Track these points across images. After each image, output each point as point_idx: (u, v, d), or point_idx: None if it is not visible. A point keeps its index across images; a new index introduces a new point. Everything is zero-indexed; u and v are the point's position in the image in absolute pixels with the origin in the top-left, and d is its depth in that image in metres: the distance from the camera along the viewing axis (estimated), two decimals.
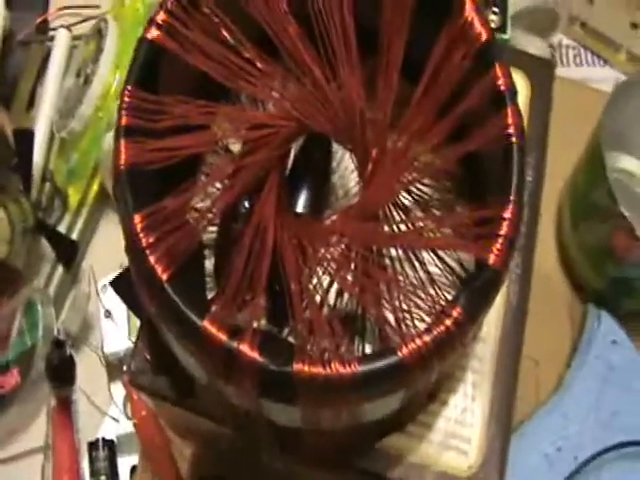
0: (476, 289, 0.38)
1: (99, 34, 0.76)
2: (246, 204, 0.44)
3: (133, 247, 0.38)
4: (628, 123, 0.75)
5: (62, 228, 0.76)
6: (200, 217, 0.41)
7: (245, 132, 0.43)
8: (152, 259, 0.37)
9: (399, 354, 0.37)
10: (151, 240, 0.38)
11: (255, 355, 0.37)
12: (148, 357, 0.47)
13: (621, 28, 0.87)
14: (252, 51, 0.43)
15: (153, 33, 0.42)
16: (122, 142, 0.39)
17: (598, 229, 0.69)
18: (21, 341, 0.71)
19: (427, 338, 0.37)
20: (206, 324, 0.37)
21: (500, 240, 0.39)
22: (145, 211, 0.38)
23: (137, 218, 0.38)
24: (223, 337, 0.37)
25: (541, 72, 0.55)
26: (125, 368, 0.70)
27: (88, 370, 0.71)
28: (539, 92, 0.54)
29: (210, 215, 0.41)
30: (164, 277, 0.37)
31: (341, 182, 0.49)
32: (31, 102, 0.81)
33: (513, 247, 0.39)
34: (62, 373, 0.67)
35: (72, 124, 0.73)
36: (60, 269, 0.74)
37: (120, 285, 0.46)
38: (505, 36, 0.72)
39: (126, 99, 0.40)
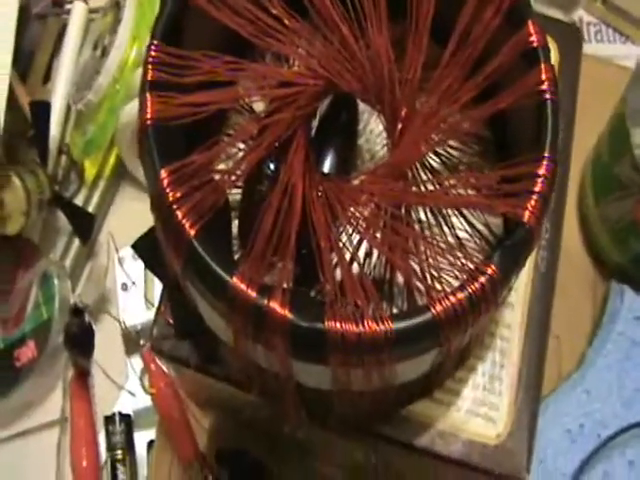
0: (510, 247, 0.37)
1: (117, 6, 0.75)
2: (271, 166, 0.43)
3: (159, 203, 0.37)
4: None
5: (78, 201, 0.75)
6: (226, 177, 0.40)
7: (271, 90, 0.42)
8: (179, 214, 0.37)
9: (433, 311, 0.36)
10: (178, 195, 0.37)
11: (286, 312, 0.36)
12: (171, 322, 0.46)
13: None
14: (280, 8, 0.42)
15: None
16: (148, 96, 0.39)
17: (621, 203, 0.68)
18: (37, 314, 0.70)
19: (461, 295, 0.36)
20: (235, 280, 0.36)
21: (535, 197, 0.38)
22: (172, 166, 0.37)
23: (164, 173, 0.37)
24: (253, 294, 0.36)
25: (569, 38, 0.54)
26: (142, 341, 0.70)
27: (105, 344, 0.70)
28: (567, 57, 0.53)
29: (236, 175, 0.40)
30: (192, 232, 0.37)
31: (367, 146, 0.49)
32: (47, 75, 0.80)
33: (548, 205, 0.38)
34: (81, 342, 0.66)
35: (89, 96, 0.72)
36: (76, 242, 0.74)
37: (143, 247, 0.45)
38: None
39: (152, 53, 0.39)
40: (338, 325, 0.35)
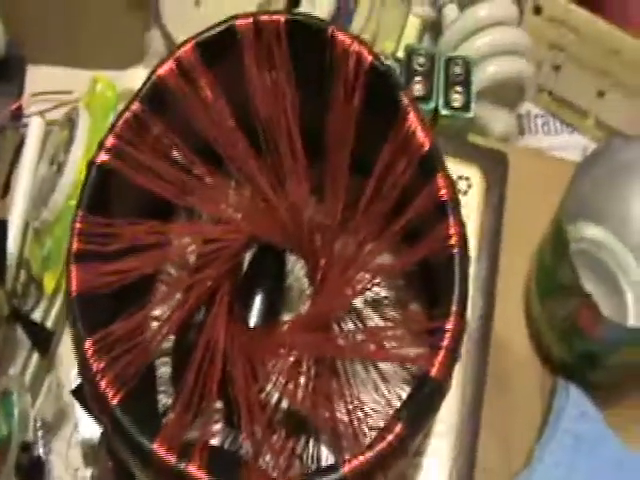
0: (418, 402, 0.39)
1: (71, 122, 0.77)
2: (202, 314, 0.45)
3: (85, 371, 0.39)
4: (594, 193, 0.76)
5: (38, 314, 0.76)
6: (155, 332, 0.42)
7: (197, 247, 0.44)
8: (102, 384, 0.39)
9: (341, 471, 0.38)
10: (102, 365, 0.39)
11: (202, 475, 0.37)
12: (110, 465, 0.48)
13: (588, 95, 0.88)
14: (201, 167, 0.44)
15: (102, 157, 0.43)
16: (73, 268, 0.41)
17: (564, 305, 0.69)
18: None
19: (369, 454, 0.38)
20: (155, 447, 0.38)
21: (442, 352, 0.40)
22: (96, 336, 0.39)
23: (88, 343, 0.39)
24: (172, 459, 0.38)
25: (495, 165, 0.56)
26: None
27: (62, 458, 0.71)
28: (494, 185, 0.56)
29: (165, 330, 0.42)
30: (114, 401, 0.38)
31: (297, 284, 0.50)
32: (5, 191, 0.82)
33: (455, 358, 0.40)
34: (31, 475, 0.68)
35: (45, 214, 0.74)
36: (36, 355, 0.75)
37: (81, 394, 0.47)
38: (469, 114, 0.73)
39: (77, 225, 0.41)
40: None
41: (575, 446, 0.69)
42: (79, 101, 0.80)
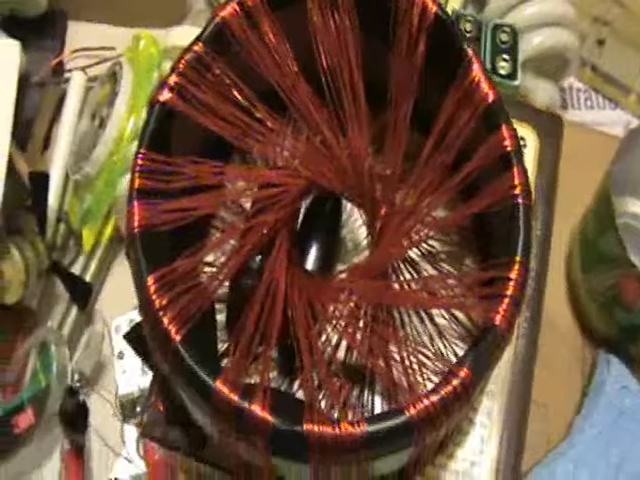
0: (482, 349, 0.39)
1: (114, 77, 0.77)
2: (257, 260, 0.45)
3: (147, 309, 0.39)
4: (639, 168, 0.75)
5: (76, 269, 0.77)
6: (212, 277, 0.42)
7: (254, 192, 0.44)
8: (165, 321, 0.38)
9: (407, 414, 0.37)
10: (164, 302, 0.39)
11: (266, 415, 0.37)
12: (161, 409, 0.48)
13: (631, 71, 0.88)
14: (262, 111, 0.44)
15: (165, 95, 0.43)
16: (135, 204, 0.40)
17: (607, 276, 0.69)
18: (36, 381, 0.71)
19: (434, 398, 0.38)
20: (218, 385, 0.38)
21: (506, 301, 0.40)
22: (158, 273, 0.39)
23: (150, 280, 0.39)
24: (235, 398, 0.38)
25: (550, 126, 0.56)
26: (138, 408, 0.71)
27: (102, 411, 0.71)
28: (548, 146, 0.55)
29: (222, 275, 0.42)
30: (177, 338, 0.38)
31: (351, 236, 0.50)
32: (46, 144, 0.82)
33: (519, 308, 0.40)
34: (75, 420, 0.68)
35: (86, 168, 0.74)
36: (74, 310, 0.75)
37: (134, 338, 0.47)
38: (515, 82, 0.73)
39: (139, 162, 0.41)
40: (316, 428, 0.37)
41: (616, 419, 0.69)
42: (122, 57, 0.79)
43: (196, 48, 0.44)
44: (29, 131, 0.81)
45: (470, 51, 0.45)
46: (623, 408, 0.69)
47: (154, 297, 0.39)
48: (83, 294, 0.74)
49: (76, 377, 0.71)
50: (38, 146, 0.81)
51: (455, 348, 0.46)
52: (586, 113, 0.90)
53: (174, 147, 0.43)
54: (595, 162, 0.73)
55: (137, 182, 0.41)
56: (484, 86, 0.44)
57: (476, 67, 0.44)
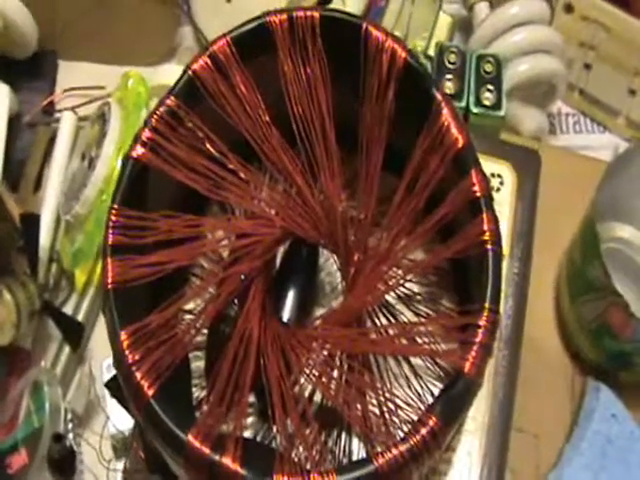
0: (451, 397, 0.39)
1: (102, 117, 0.78)
2: (234, 306, 0.46)
3: (120, 363, 0.39)
4: (626, 193, 0.76)
5: (69, 308, 0.77)
6: (188, 326, 0.42)
7: (231, 241, 0.44)
8: (138, 375, 0.39)
9: (375, 464, 0.38)
10: (137, 357, 0.39)
11: (237, 468, 0.38)
12: (142, 455, 0.48)
13: (619, 94, 0.88)
14: (235, 162, 0.45)
15: (138, 151, 0.43)
16: (109, 261, 0.41)
17: (595, 304, 0.69)
18: (29, 422, 0.72)
19: (402, 448, 0.38)
20: (190, 438, 0.38)
21: (475, 348, 0.40)
22: (131, 328, 0.40)
23: (123, 335, 0.39)
24: (206, 450, 0.38)
25: (527, 162, 0.56)
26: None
27: (94, 450, 0.72)
28: (525, 183, 0.56)
29: (198, 324, 0.42)
30: (150, 393, 0.39)
31: (328, 279, 0.51)
32: (38, 185, 0.82)
33: (489, 353, 0.40)
34: (63, 466, 0.68)
35: (76, 208, 0.75)
36: (66, 349, 0.75)
37: (115, 387, 0.47)
38: (500, 113, 0.73)
39: (112, 218, 0.42)
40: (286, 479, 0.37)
41: (605, 448, 0.69)
42: (111, 96, 0.80)
43: (168, 102, 0.45)
44: (20, 172, 0.82)
45: (439, 95, 0.45)
46: (611, 436, 0.69)
47: (127, 352, 0.39)
48: (75, 334, 0.74)
49: (69, 417, 0.71)
50: (30, 187, 0.82)
51: (432, 388, 0.46)
52: (575, 137, 0.90)
53: (149, 200, 0.44)
54: (583, 188, 0.73)
55: (110, 238, 0.42)
56: (454, 131, 0.44)
57: (446, 112, 0.45)
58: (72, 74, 0.89)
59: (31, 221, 0.74)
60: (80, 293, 0.77)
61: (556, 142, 0.88)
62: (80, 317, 0.76)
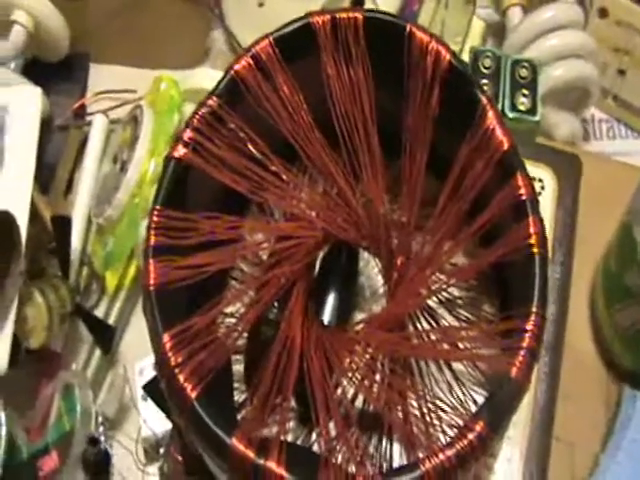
0: (498, 402, 0.39)
1: (134, 120, 0.78)
2: (275, 309, 0.45)
3: (162, 365, 0.39)
4: None
5: (100, 311, 0.77)
6: (230, 329, 0.42)
7: (272, 244, 0.44)
8: (181, 378, 0.38)
9: (422, 468, 0.37)
10: (180, 359, 0.39)
11: (282, 471, 0.37)
12: (180, 459, 0.48)
13: None
14: (277, 163, 0.44)
15: (180, 151, 0.43)
16: (151, 262, 0.41)
17: (631, 311, 0.68)
18: (60, 424, 0.72)
19: (450, 452, 0.37)
20: (234, 441, 0.38)
21: (522, 352, 0.39)
22: (174, 330, 0.39)
23: (166, 337, 0.39)
24: (251, 454, 0.38)
25: (568, 167, 0.56)
26: (161, 450, 0.71)
27: (126, 454, 0.72)
28: (566, 187, 0.55)
29: (240, 328, 0.42)
30: (193, 395, 0.38)
31: (368, 282, 0.50)
32: (69, 187, 0.82)
33: (535, 358, 0.40)
34: (97, 468, 0.68)
35: (108, 211, 0.75)
36: (98, 352, 0.75)
37: (153, 389, 0.47)
38: (535, 118, 0.73)
39: (154, 219, 0.42)
40: None
41: None
42: (143, 100, 0.80)
43: (210, 102, 0.44)
44: (52, 175, 0.82)
45: (484, 98, 0.45)
46: None
47: (170, 354, 0.39)
48: (106, 337, 0.74)
49: (100, 420, 0.71)
50: (61, 190, 0.82)
51: (474, 395, 0.46)
52: (609, 143, 0.89)
53: (190, 201, 0.44)
54: (617, 194, 0.73)
55: (152, 239, 0.41)
56: (499, 134, 0.44)
57: (491, 114, 0.44)
58: (104, 77, 0.89)
59: (63, 223, 0.74)
60: (111, 296, 0.77)
61: (590, 148, 0.87)
62: (111, 320, 0.76)
